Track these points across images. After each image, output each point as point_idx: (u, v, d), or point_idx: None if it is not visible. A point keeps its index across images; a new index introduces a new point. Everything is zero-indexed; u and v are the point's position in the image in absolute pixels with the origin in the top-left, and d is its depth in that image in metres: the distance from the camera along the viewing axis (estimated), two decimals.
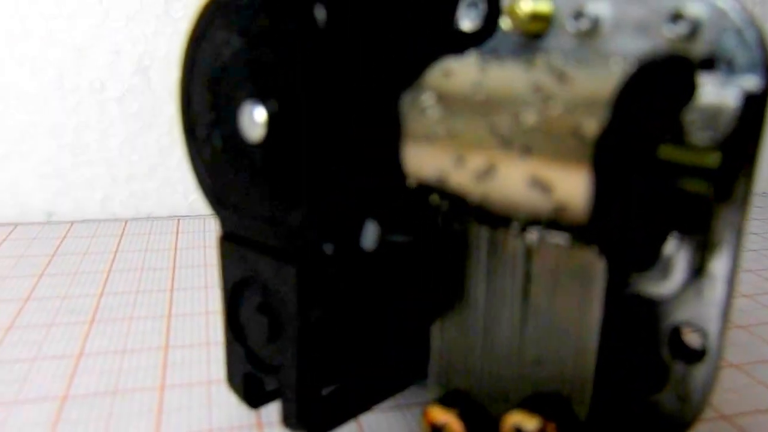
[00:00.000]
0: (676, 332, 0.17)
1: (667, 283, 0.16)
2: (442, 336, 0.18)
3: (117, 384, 0.24)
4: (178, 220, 0.44)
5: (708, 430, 0.21)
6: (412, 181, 0.16)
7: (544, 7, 0.17)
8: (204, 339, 0.27)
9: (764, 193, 0.54)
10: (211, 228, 0.42)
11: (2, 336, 0.27)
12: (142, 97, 0.43)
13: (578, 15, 0.17)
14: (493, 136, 0.14)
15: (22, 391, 0.23)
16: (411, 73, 0.16)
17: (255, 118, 0.16)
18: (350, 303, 0.17)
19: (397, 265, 0.17)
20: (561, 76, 0.14)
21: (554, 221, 0.14)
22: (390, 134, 0.16)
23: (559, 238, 0.15)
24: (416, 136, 0.16)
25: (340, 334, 0.17)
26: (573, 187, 0.13)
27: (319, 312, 0.17)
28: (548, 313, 0.16)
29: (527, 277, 0.16)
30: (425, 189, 0.16)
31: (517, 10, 0.17)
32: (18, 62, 0.41)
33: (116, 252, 0.37)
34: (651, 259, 0.16)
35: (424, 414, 0.18)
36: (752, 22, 0.15)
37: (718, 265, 0.16)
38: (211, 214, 0.19)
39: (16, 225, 0.42)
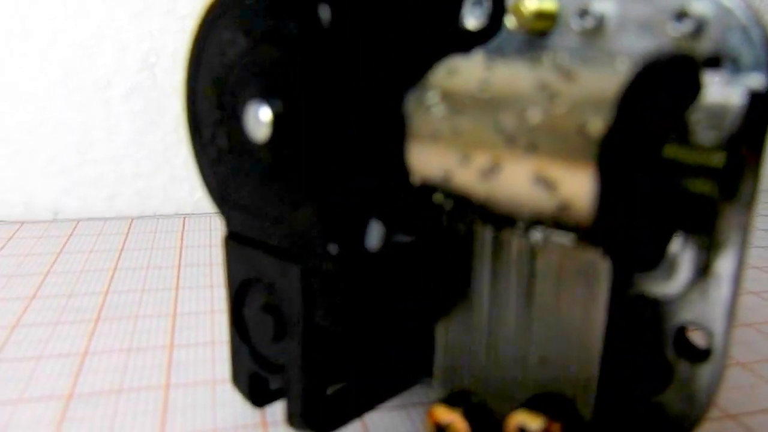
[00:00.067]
0: (681, 332, 0.17)
1: (672, 282, 0.16)
2: (446, 335, 0.18)
3: (122, 382, 0.24)
4: (184, 218, 0.44)
5: (714, 430, 0.21)
6: (416, 180, 0.16)
7: (549, 6, 0.17)
8: (209, 338, 0.27)
9: None
10: (217, 226, 0.42)
11: (8, 334, 0.27)
12: (147, 95, 0.43)
13: (583, 13, 0.17)
14: (498, 134, 0.14)
15: (27, 389, 0.23)
16: (416, 72, 0.16)
17: (260, 118, 0.16)
18: (355, 303, 0.17)
19: (401, 264, 0.17)
20: (566, 75, 0.14)
21: (559, 220, 0.14)
22: (394, 134, 0.16)
23: (563, 238, 0.15)
24: (421, 134, 0.16)
25: (344, 333, 0.18)
26: (578, 185, 0.13)
27: (324, 312, 0.17)
28: (553, 313, 0.16)
29: (532, 277, 0.16)
30: (429, 188, 0.16)
31: (522, 9, 0.17)
32: (23, 60, 0.41)
33: (122, 250, 0.38)
34: (656, 259, 0.16)
35: (429, 413, 0.18)
36: (758, 21, 0.15)
37: (724, 264, 0.15)
38: (217, 213, 0.19)
39: (22, 223, 0.42)
